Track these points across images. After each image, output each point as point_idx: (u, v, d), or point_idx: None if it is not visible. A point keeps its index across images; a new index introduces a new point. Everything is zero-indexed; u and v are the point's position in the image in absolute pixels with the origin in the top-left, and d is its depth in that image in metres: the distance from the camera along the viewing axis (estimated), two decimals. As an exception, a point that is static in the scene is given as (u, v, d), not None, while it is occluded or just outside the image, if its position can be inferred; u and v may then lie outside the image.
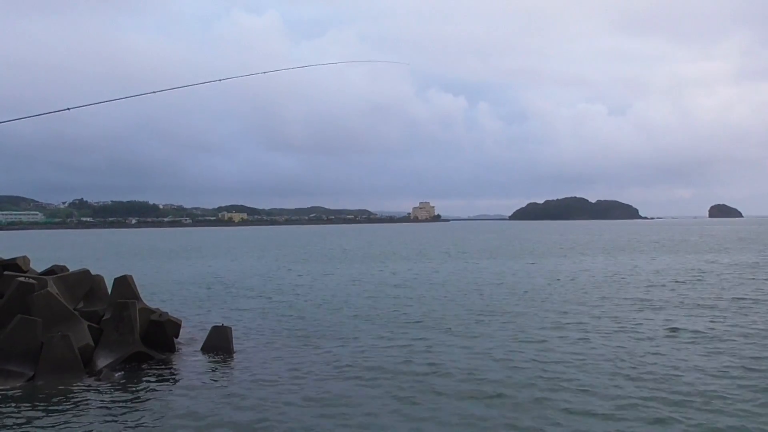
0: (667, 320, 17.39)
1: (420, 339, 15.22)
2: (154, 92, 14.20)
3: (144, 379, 11.82)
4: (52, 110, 12.62)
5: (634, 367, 12.09)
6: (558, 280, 29.06)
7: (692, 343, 14.36)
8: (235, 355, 13.76)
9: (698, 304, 20.30)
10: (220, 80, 15.29)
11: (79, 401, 10.37)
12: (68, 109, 12.34)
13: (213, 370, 12.61)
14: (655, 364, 12.38)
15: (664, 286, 25.89)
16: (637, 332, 15.68)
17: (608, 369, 12.03)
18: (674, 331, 15.69)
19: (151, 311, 14.34)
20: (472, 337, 15.38)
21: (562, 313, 18.85)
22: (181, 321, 15.76)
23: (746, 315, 18.12)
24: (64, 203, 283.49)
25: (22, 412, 9.77)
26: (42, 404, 10.18)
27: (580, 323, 17.08)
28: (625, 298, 21.93)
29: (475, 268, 36.75)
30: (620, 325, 16.78)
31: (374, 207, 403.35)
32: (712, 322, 17.06)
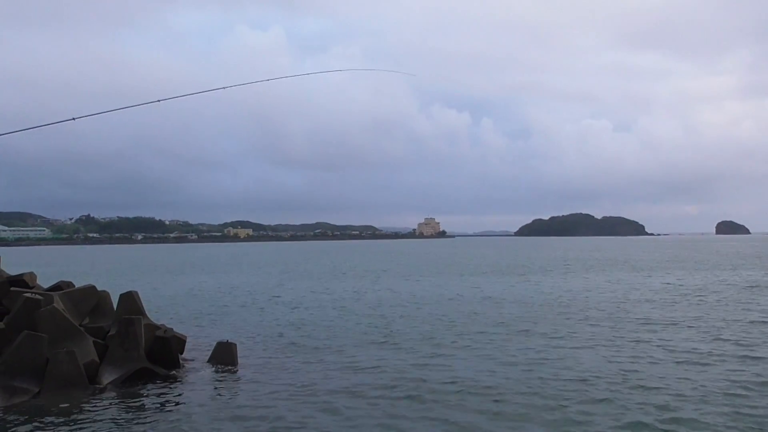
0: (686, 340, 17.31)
1: (424, 355, 15.20)
2: (159, 101, 14.03)
3: (148, 395, 11.83)
4: (58, 120, 12.64)
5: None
6: (559, 297, 28.96)
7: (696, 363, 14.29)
8: (239, 371, 13.77)
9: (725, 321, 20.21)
10: (224, 88, 15.21)
11: (83, 417, 10.38)
12: (73, 119, 12.36)
13: (218, 387, 12.62)
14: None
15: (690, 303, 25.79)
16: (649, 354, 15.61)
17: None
18: (672, 351, 15.61)
19: (156, 327, 14.38)
20: (478, 354, 15.34)
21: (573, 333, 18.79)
22: (186, 337, 15.79)
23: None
24: (71, 219, 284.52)
25: (27, 428, 9.79)
26: (46, 419, 10.20)
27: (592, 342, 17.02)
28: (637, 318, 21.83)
29: (482, 285, 36.65)
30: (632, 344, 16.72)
31: (379, 223, 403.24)
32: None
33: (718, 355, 14.73)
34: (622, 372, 13.10)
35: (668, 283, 35.63)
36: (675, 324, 19.71)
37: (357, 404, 11.04)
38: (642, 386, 11.93)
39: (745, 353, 14.96)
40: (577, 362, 14.16)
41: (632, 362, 14.11)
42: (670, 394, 11.32)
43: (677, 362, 14.06)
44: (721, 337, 17.29)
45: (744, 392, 11.43)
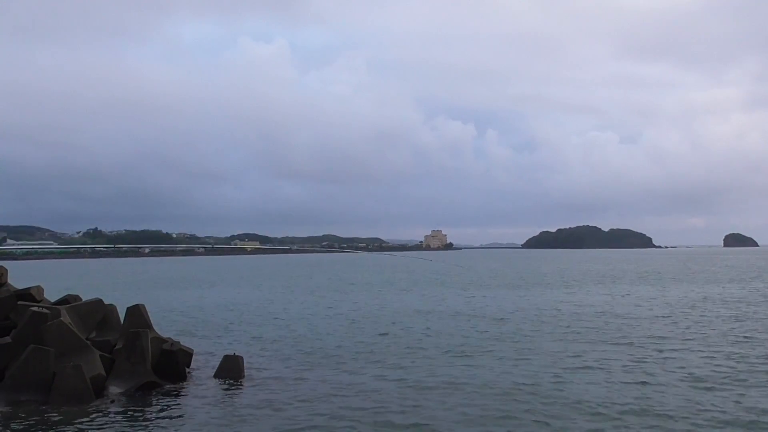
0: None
1: (429, 371, 15.11)
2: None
3: (155, 409, 11.79)
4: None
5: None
6: (559, 311, 28.78)
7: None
8: (246, 385, 13.70)
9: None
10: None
11: (89, 431, 10.35)
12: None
13: (224, 400, 12.56)
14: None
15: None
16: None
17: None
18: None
19: (163, 340, 14.36)
20: (485, 370, 15.24)
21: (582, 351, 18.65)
22: (192, 350, 15.76)
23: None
24: (78, 233, 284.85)
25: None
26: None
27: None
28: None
29: (487, 298, 36.49)
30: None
31: (386, 235, 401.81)
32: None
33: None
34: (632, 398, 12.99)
35: (693, 296, 35.42)
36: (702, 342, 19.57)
37: (363, 422, 10.94)
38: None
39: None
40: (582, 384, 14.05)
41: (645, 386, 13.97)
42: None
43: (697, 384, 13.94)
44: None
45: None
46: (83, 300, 15.29)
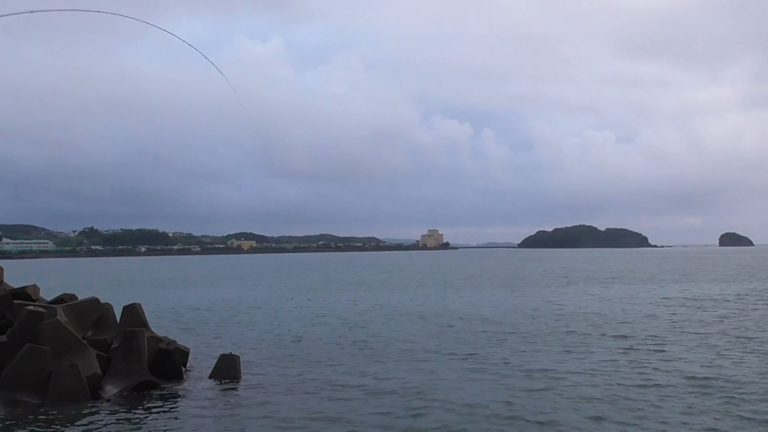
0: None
1: (422, 368, 15.13)
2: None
3: (151, 408, 11.76)
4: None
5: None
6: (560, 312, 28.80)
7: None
8: (242, 384, 13.69)
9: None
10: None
11: (84, 430, 10.33)
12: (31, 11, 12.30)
13: (220, 399, 12.56)
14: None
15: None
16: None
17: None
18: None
19: (159, 339, 14.34)
20: (480, 371, 15.25)
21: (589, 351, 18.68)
22: (189, 349, 15.74)
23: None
24: (74, 232, 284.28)
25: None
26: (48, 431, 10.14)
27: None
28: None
29: (484, 299, 36.53)
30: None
31: (382, 234, 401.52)
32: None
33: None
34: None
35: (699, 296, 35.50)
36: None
37: (360, 423, 10.93)
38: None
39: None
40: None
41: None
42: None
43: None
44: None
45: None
46: (79, 299, 15.26)
